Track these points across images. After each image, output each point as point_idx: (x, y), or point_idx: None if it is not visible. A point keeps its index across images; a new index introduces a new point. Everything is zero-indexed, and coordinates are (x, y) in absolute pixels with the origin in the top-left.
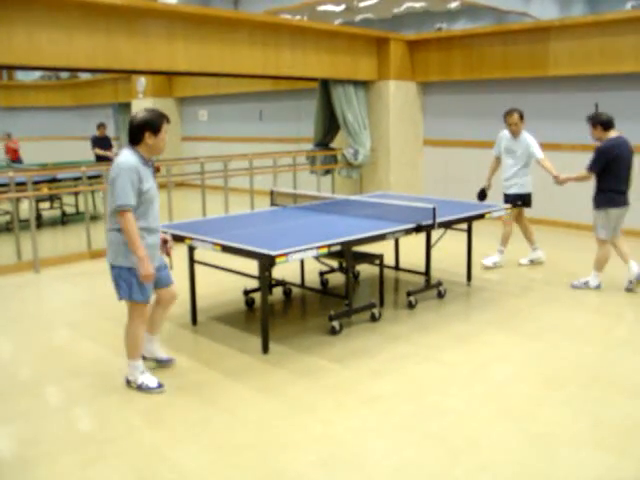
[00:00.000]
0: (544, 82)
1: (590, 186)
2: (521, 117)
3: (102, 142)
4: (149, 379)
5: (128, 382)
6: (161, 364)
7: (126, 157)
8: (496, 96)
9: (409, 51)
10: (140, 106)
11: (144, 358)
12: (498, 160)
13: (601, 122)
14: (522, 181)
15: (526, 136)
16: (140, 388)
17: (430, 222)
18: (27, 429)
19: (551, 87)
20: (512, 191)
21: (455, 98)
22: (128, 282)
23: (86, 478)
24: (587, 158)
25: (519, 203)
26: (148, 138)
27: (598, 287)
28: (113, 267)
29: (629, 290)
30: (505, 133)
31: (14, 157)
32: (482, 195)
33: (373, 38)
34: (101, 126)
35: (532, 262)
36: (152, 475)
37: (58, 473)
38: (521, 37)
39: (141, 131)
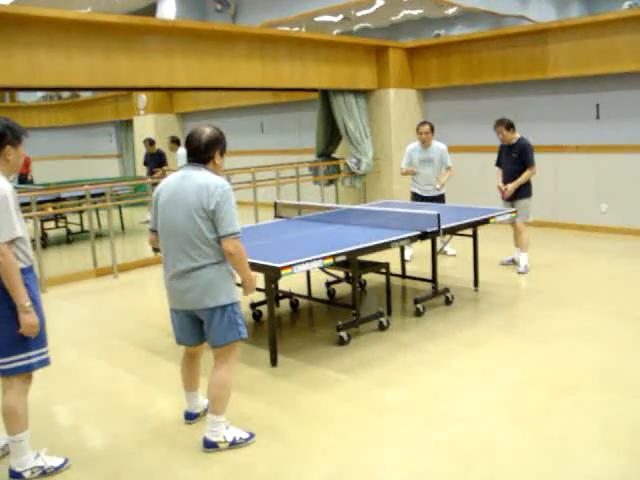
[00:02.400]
0: (544, 84)
1: (592, 189)
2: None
3: (155, 158)
4: (237, 431)
5: (210, 445)
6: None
7: (217, 177)
8: (496, 100)
9: (408, 58)
10: (142, 123)
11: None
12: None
13: (512, 124)
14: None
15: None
16: (234, 444)
17: (435, 229)
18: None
19: (551, 89)
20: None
21: (455, 104)
22: (234, 320)
23: None
24: (591, 158)
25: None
26: (217, 158)
27: (527, 268)
28: (215, 310)
29: (503, 264)
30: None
31: (23, 171)
32: None
33: (372, 47)
34: (151, 142)
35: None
36: None
37: None
38: (519, 40)
39: (212, 149)
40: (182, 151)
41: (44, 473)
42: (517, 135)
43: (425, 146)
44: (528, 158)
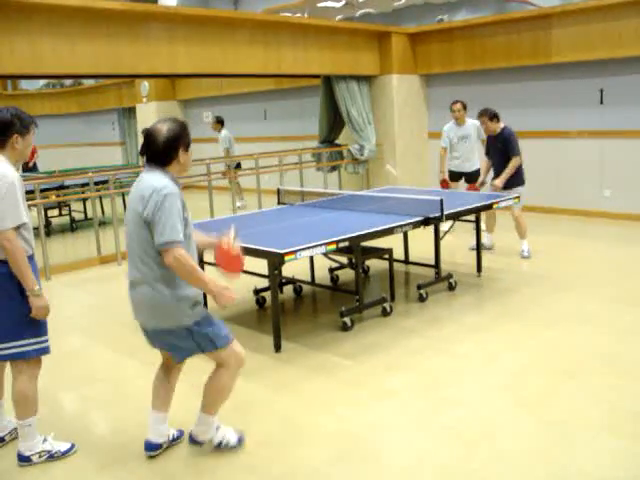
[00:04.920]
0: (547, 70)
1: (596, 174)
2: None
3: None
4: (229, 432)
5: (194, 442)
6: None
7: (161, 181)
8: (500, 86)
9: (411, 44)
10: (145, 110)
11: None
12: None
13: (496, 114)
14: None
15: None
16: (220, 447)
17: (438, 214)
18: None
19: (554, 74)
20: None
21: (459, 89)
22: (204, 336)
23: None
24: (594, 143)
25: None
26: (182, 156)
27: (530, 252)
28: (171, 332)
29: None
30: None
31: (29, 158)
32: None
33: (374, 32)
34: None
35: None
36: (170, 475)
37: (74, 477)
38: (523, 25)
39: (173, 149)
40: (225, 133)
41: (51, 457)
42: (501, 125)
43: (460, 123)
44: (512, 148)
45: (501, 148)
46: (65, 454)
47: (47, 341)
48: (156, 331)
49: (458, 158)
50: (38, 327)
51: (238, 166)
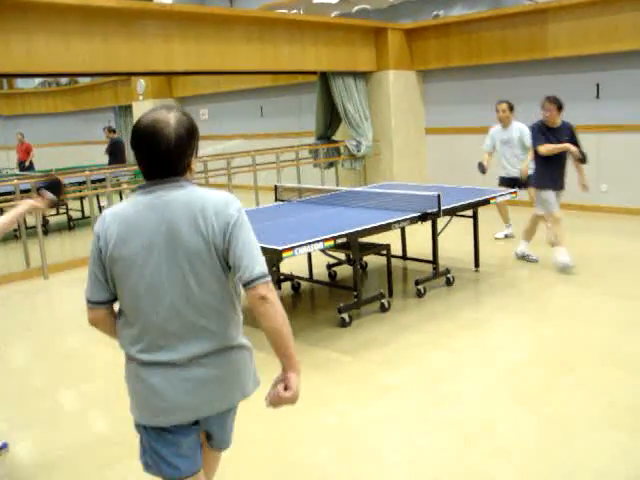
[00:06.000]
0: (544, 64)
1: (593, 168)
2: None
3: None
4: None
5: None
6: None
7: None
8: (496, 81)
9: (407, 40)
10: (141, 108)
11: None
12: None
13: (563, 106)
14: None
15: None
16: None
17: (435, 210)
18: (44, 433)
19: (551, 69)
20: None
21: (455, 85)
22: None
23: (103, 479)
24: (591, 138)
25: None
26: (193, 161)
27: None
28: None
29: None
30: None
31: (23, 157)
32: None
33: (370, 28)
34: (110, 129)
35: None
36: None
37: (76, 475)
38: (519, 20)
39: (187, 153)
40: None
41: None
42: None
43: (504, 125)
44: (576, 140)
45: (568, 140)
46: None
47: None
48: (225, 412)
49: (505, 164)
50: None
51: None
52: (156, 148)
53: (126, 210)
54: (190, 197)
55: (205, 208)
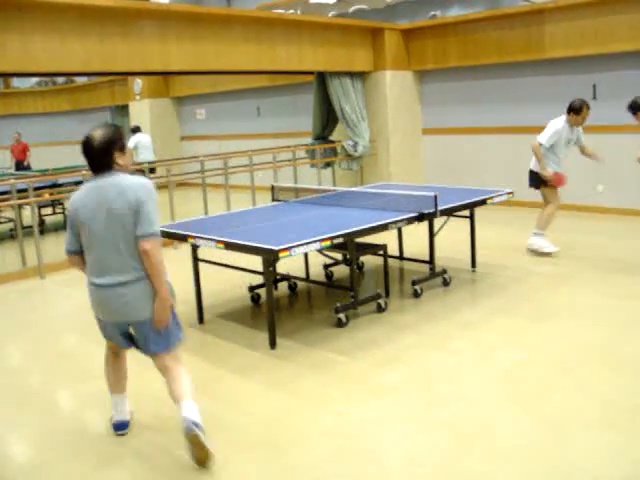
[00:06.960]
0: (540, 65)
1: (589, 169)
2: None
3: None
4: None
5: (197, 425)
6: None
7: (137, 177)
8: (493, 81)
9: (404, 40)
10: (138, 108)
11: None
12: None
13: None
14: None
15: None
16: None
17: (432, 210)
18: (40, 434)
19: (548, 70)
20: None
21: (452, 85)
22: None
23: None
24: (587, 139)
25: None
26: (120, 158)
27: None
28: (144, 322)
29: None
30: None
31: (20, 157)
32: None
33: (367, 29)
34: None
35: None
36: (166, 472)
37: (71, 476)
38: (516, 21)
39: (110, 152)
40: None
41: None
42: None
43: (577, 125)
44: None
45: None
46: None
47: None
48: (138, 322)
49: (558, 162)
50: None
51: None
52: (89, 153)
53: (82, 192)
54: (117, 181)
55: (127, 188)
